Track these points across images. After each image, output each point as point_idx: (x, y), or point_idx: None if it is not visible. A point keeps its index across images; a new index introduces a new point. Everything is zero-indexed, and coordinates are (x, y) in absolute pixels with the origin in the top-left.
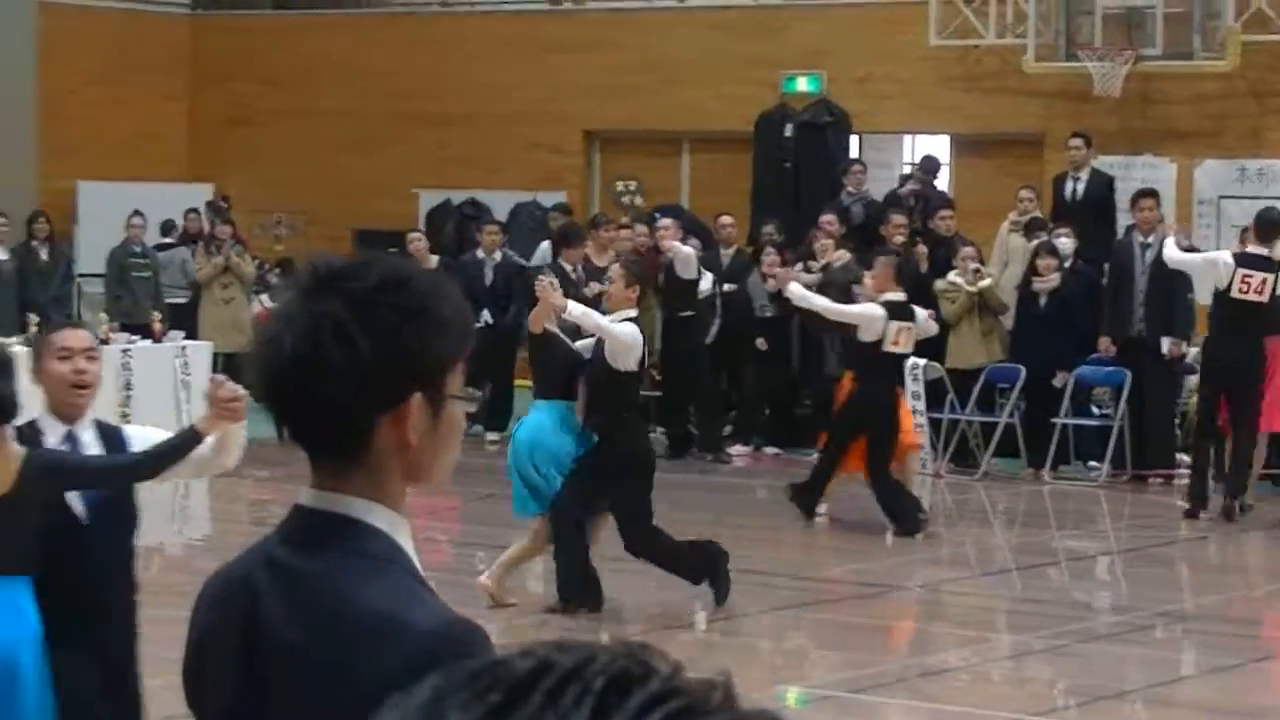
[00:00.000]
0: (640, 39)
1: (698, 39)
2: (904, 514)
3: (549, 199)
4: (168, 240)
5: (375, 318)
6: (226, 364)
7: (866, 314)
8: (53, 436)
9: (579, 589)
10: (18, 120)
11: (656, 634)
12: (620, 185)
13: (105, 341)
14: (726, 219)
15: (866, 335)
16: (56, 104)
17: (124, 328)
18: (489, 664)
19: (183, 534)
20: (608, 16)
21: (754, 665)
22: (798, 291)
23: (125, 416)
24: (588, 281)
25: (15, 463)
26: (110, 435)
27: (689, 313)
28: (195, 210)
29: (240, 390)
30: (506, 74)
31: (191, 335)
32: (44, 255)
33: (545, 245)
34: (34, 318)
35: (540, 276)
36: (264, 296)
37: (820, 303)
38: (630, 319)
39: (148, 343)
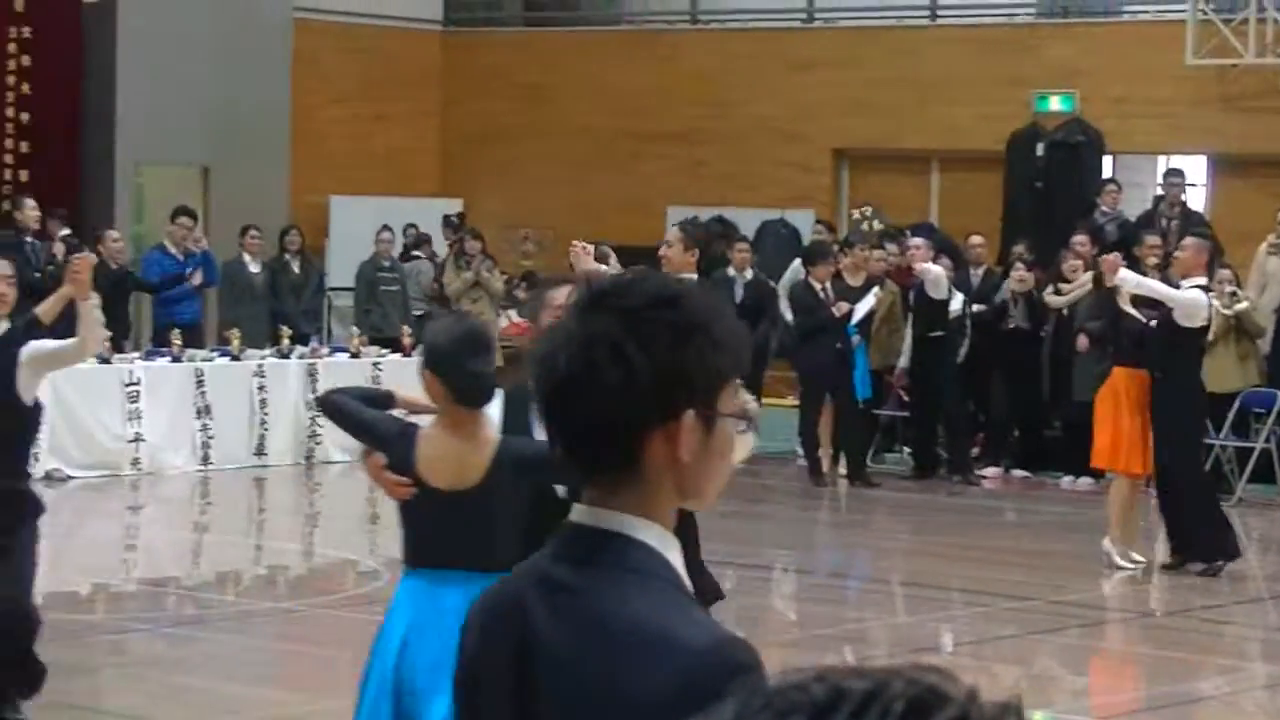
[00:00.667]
0: (891, 56)
1: (949, 56)
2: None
3: (796, 217)
4: (416, 254)
5: (649, 335)
6: None
7: (1193, 299)
8: None
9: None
10: (273, 135)
11: (901, 657)
12: (857, 213)
13: (356, 355)
14: (976, 238)
15: (1189, 320)
16: (310, 119)
17: (373, 341)
18: (786, 688)
19: None
20: (858, 33)
21: (1000, 690)
22: (1131, 278)
23: None
24: (836, 300)
25: None
26: None
27: (939, 333)
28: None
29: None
30: (756, 91)
31: None
32: (295, 269)
33: (797, 263)
34: (286, 330)
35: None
36: (511, 311)
37: (1159, 288)
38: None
39: (397, 356)
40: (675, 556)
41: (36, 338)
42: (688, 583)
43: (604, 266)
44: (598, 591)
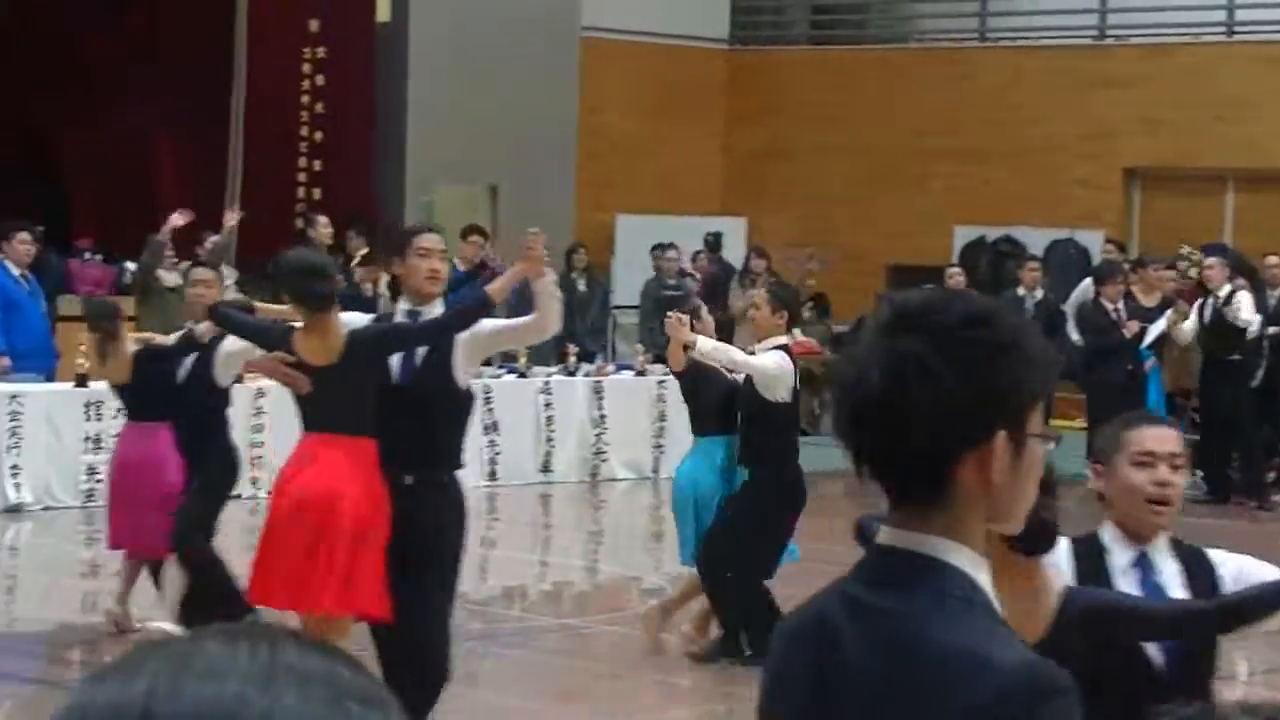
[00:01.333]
0: (1184, 73)
1: (1245, 73)
2: None
3: (1086, 237)
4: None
5: (961, 355)
6: None
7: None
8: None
9: (758, 633)
10: (560, 153)
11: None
12: (1185, 250)
13: (641, 373)
14: (1273, 259)
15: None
16: (597, 138)
17: (657, 359)
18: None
19: None
20: (1150, 50)
21: None
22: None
23: (659, 447)
24: (1128, 319)
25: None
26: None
27: (1235, 356)
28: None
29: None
30: (1046, 109)
31: None
32: (581, 286)
33: (1086, 282)
34: (573, 348)
35: (670, 312)
36: (796, 331)
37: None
38: (779, 346)
39: None
40: (985, 579)
41: (486, 316)
42: (998, 605)
43: (702, 339)
44: (910, 615)
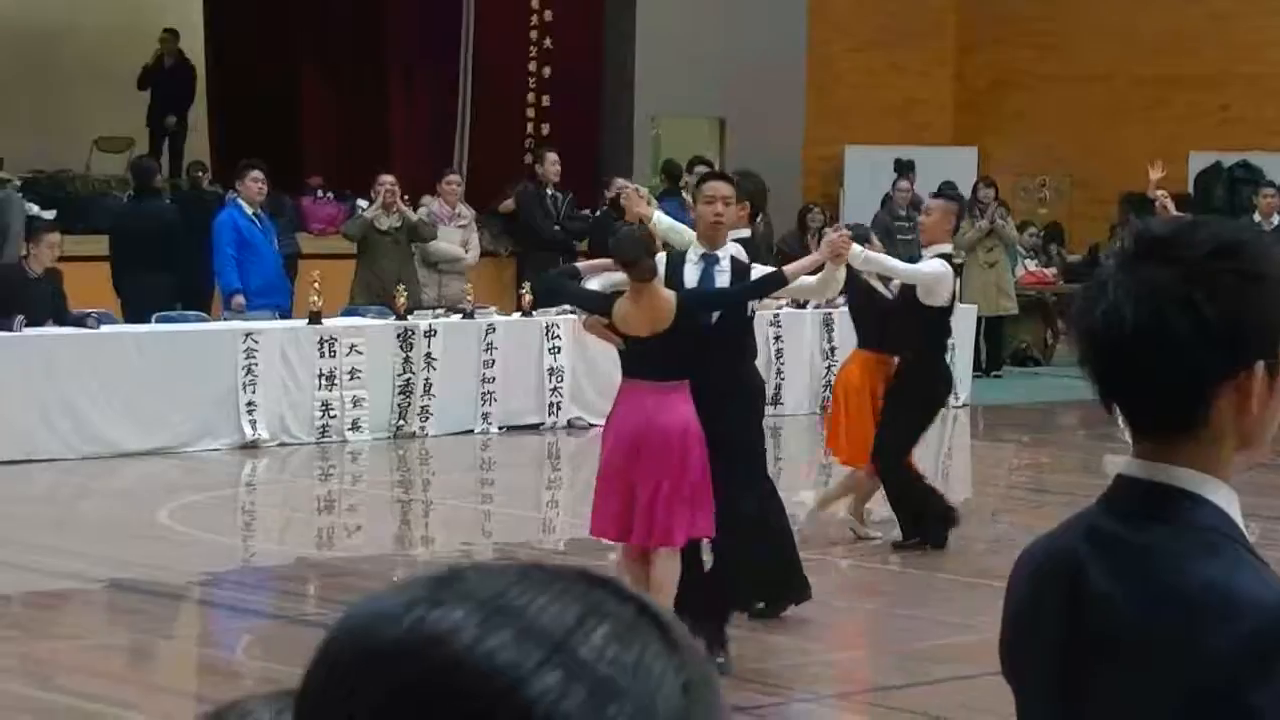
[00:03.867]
0: None
1: None
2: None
3: None
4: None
5: (1216, 284)
6: (988, 327)
7: (932, 273)
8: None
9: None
10: (788, 86)
11: None
12: None
13: None
14: None
15: (932, 299)
16: (824, 70)
17: None
18: None
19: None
20: None
21: None
22: (859, 253)
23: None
24: None
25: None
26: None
27: None
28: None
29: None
30: None
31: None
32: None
33: None
34: None
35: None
36: (1028, 261)
37: (890, 264)
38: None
39: None
40: (1236, 512)
41: None
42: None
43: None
44: (1158, 549)
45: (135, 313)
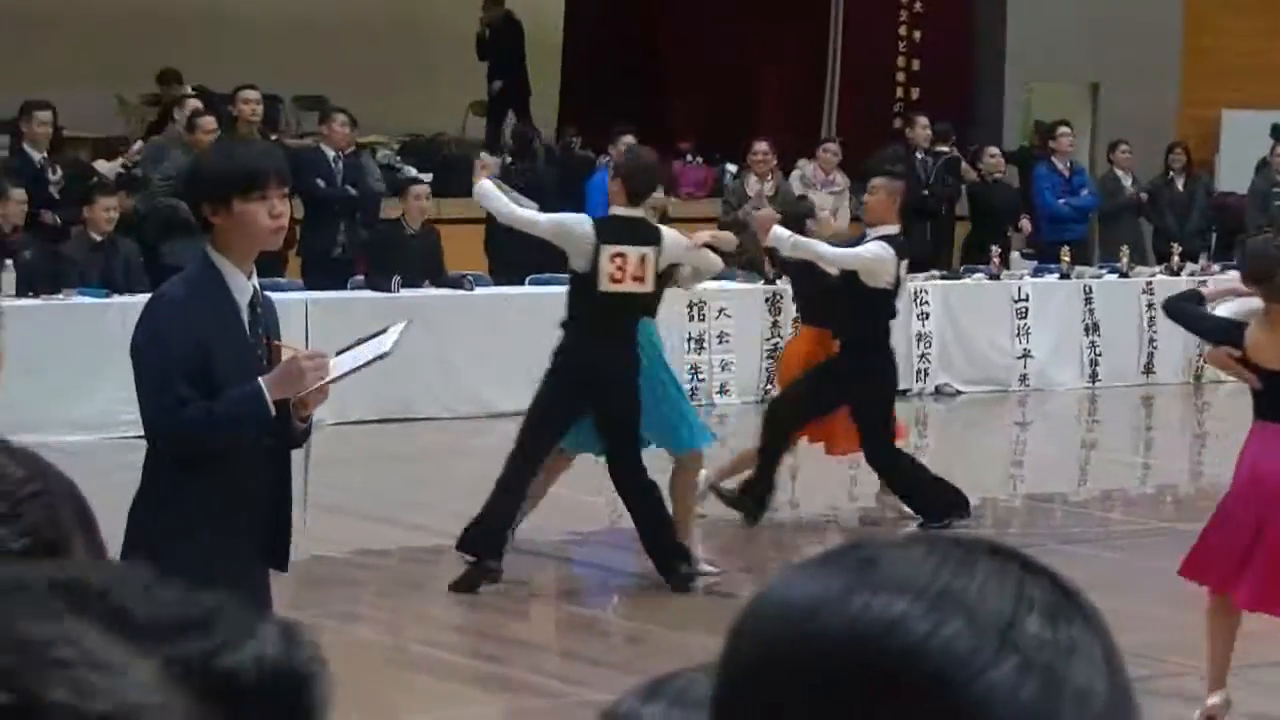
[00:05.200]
0: None
1: None
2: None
3: None
4: None
5: None
6: None
7: (873, 256)
8: None
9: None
10: (1162, 50)
11: None
12: None
13: None
14: None
15: (874, 281)
16: (1202, 33)
17: None
18: None
19: None
20: None
21: None
22: (785, 237)
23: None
24: None
25: None
26: None
27: None
28: None
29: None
30: None
31: None
32: (1179, 185)
33: None
34: (1176, 247)
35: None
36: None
37: (818, 249)
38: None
39: None
40: None
41: None
42: None
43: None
44: None
45: (506, 275)
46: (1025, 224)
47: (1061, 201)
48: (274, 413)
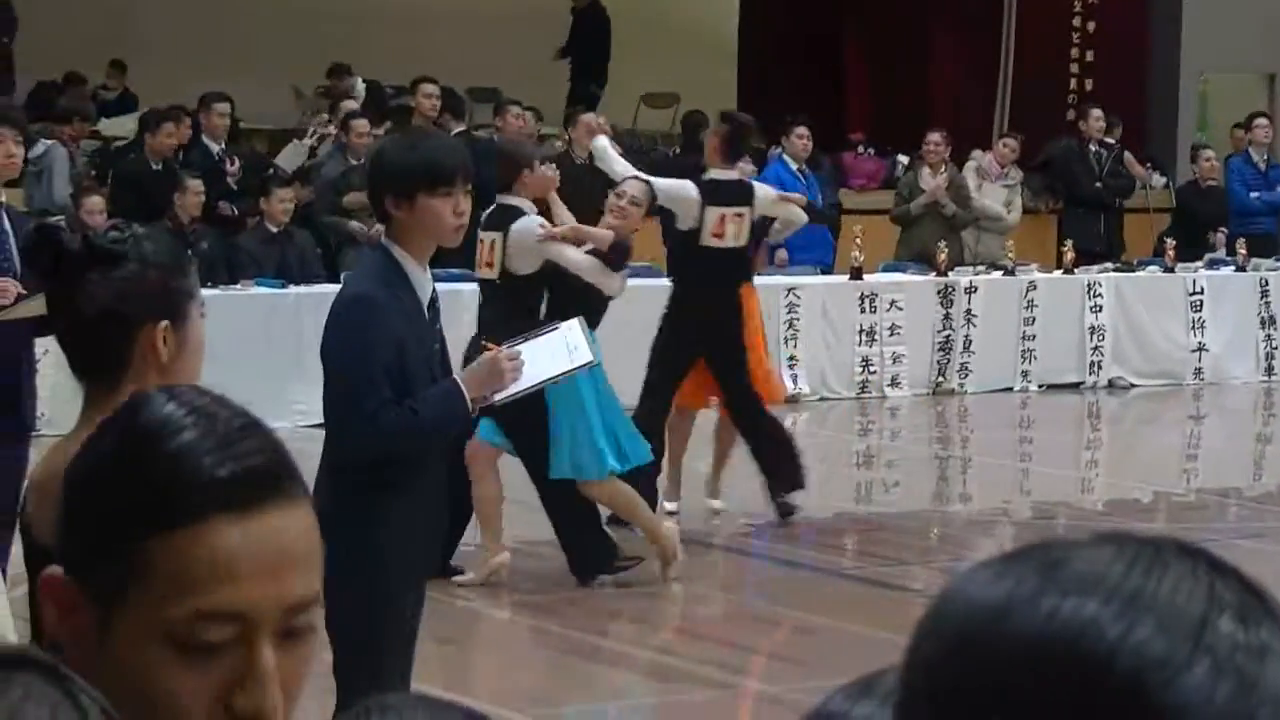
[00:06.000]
0: None
1: None
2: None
3: None
4: None
5: None
6: None
7: (667, 184)
8: None
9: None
10: None
11: None
12: None
13: None
14: None
15: (679, 223)
16: None
17: None
18: None
19: None
20: None
21: None
22: (601, 144)
23: None
24: None
25: None
26: None
27: None
28: None
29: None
30: None
31: None
32: None
33: None
34: None
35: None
36: None
37: (611, 161)
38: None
39: None
40: None
41: None
42: None
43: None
44: None
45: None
46: (1220, 237)
47: (1254, 195)
48: (473, 411)
